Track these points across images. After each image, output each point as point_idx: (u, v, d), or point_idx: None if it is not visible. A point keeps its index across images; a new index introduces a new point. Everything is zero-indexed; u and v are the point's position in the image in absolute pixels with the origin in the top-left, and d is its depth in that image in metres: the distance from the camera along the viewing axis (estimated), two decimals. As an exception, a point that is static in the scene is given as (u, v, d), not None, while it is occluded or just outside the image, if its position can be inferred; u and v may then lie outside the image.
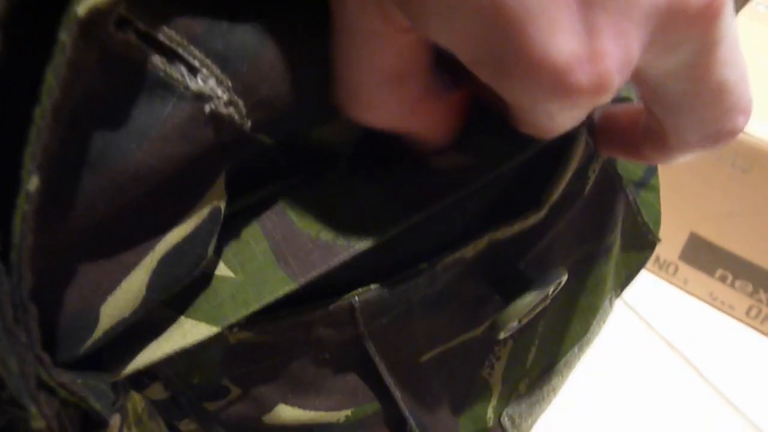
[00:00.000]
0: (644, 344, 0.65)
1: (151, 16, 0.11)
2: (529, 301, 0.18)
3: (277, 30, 0.13)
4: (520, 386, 0.22)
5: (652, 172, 0.23)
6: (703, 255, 0.64)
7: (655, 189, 0.23)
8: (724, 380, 0.63)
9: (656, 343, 0.65)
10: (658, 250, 0.67)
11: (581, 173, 0.19)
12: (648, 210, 0.23)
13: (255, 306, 0.15)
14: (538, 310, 0.19)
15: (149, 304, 0.14)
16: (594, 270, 0.22)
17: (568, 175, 0.18)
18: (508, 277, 0.18)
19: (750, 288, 0.62)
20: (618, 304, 0.68)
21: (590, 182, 0.20)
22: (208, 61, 0.12)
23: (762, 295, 0.62)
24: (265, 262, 0.15)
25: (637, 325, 0.67)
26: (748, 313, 0.65)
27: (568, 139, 0.18)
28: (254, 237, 0.16)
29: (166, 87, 0.12)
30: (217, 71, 0.12)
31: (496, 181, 0.17)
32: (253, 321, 0.16)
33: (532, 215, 0.17)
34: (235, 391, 0.18)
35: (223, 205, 0.15)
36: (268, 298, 0.15)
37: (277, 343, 0.17)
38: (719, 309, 0.67)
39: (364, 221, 0.15)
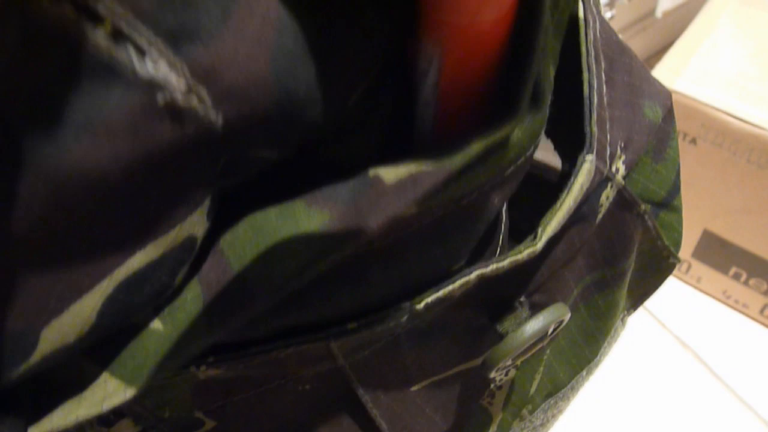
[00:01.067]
0: (657, 343, 0.64)
1: None
2: (521, 340, 0.16)
3: (248, 1, 0.11)
4: (523, 412, 0.20)
5: (675, 192, 0.21)
6: (716, 252, 0.62)
7: (678, 210, 0.22)
8: (738, 379, 0.62)
9: (669, 341, 0.64)
10: (671, 247, 0.66)
11: (592, 201, 0.18)
12: (669, 232, 0.22)
13: (168, 366, 0.13)
14: (535, 348, 0.18)
15: (99, 332, 0.13)
16: (606, 296, 0.21)
17: (568, 205, 0.16)
18: (502, 308, 0.17)
19: (765, 286, 0.61)
20: (629, 302, 0.66)
21: (603, 209, 0.18)
22: (158, 41, 0.10)
23: (777, 293, 0.61)
24: (194, 310, 0.13)
25: (649, 324, 0.66)
26: (762, 311, 0.63)
27: (572, 166, 0.16)
28: (189, 282, 0.14)
29: (111, 71, 0.10)
30: (169, 53, 0.11)
31: (484, 213, 0.16)
32: (221, 359, 0.15)
33: (525, 250, 0.16)
34: (209, 424, 0.17)
35: (201, 234, 0.14)
36: (185, 354, 0.13)
37: (250, 377, 0.16)
38: (733, 307, 0.65)
39: (295, 256, 0.13)
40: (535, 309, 0.18)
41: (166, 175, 0.12)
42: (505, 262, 0.16)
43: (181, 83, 0.11)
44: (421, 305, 0.15)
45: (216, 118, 0.12)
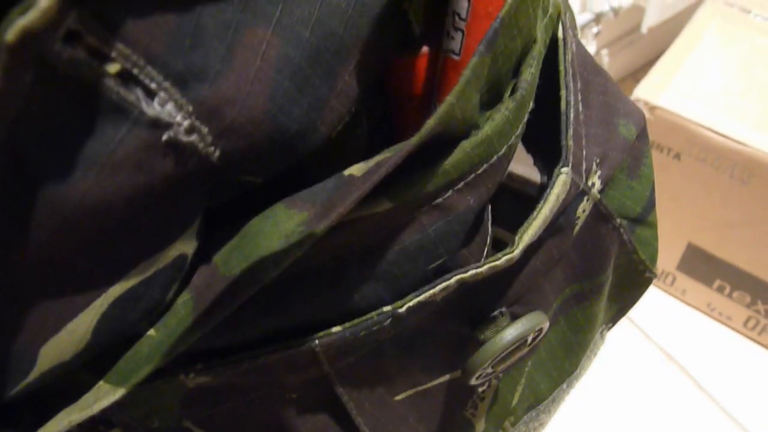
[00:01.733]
0: (642, 354, 0.65)
1: (104, 30, 0.10)
2: (501, 345, 0.17)
3: (251, 42, 0.12)
4: (506, 424, 0.21)
5: (650, 208, 0.22)
6: (701, 265, 0.63)
7: (653, 226, 0.22)
8: (722, 391, 0.62)
9: (654, 353, 0.65)
10: (658, 259, 0.67)
11: (569, 213, 0.18)
12: (644, 247, 0.22)
13: (156, 362, 0.14)
14: (516, 357, 0.18)
15: (94, 349, 0.13)
16: (585, 309, 0.21)
17: (544, 215, 0.17)
18: (483, 318, 0.18)
19: (748, 299, 0.62)
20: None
21: (580, 222, 0.19)
22: (166, 84, 0.11)
23: (760, 306, 0.61)
24: (185, 315, 0.14)
25: (635, 335, 0.66)
26: (746, 324, 0.64)
27: (549, 178, 0.17)
28: (181, 293, 0.14)
29: (120, 110, 0.11)
30: (177, 95, 0.11)
31: (461, 213, 0.16)
32: (208, 366, 0.15)
33: (503, 256, 0.17)
34: None
35: (191, 252, 0.14)
36: (174, 352, 0.14)
37: (238, 385, 0.16)
38: (717, 320, 0.66)
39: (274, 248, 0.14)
40: (516, 320, 0.19)
41: (163, 203, 0.12)
42: (484, 268, 0.16)
43: (185, 122, 0.11)
44: (404, 308, 0.16)
45: (214, 152, 0.12)
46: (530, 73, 0.16)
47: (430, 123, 0.14)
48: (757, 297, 0.61)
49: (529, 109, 0.17)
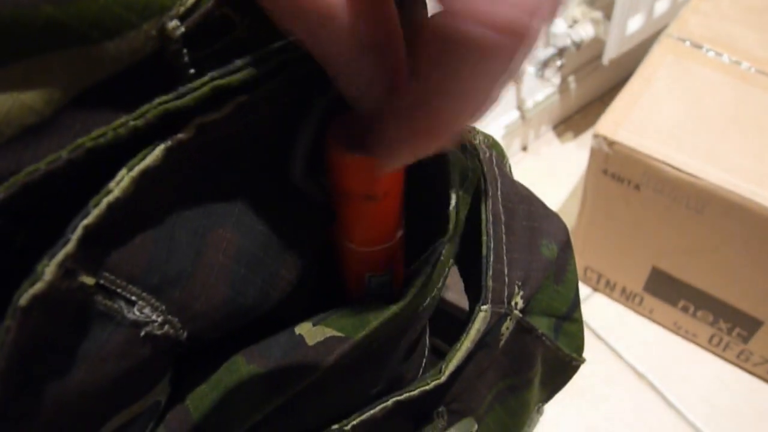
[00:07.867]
0: (612, 372, 0.68)
1: (95, 266, 0.13)
2: None
3: (214, 241, 0.15)
4: None
5: (575, 307, 0.25)
6: (665, 287, 0.66)
7: (578, 321, 0.25)
8: (690, 406, 0.65)
9: (624, 370, 0.68)
10: (624, 281, 0.70)
11: (494, 332, 0.21)
12: (571, 340, 0.25)
13: None
14: None
15: None
16: (518, 396, 0.24)
17: (467, 346, 0.20)
18: (425, 416, 0.21)
19: (711, 318, 0.65)
20: (587, 333, 0.70)
21: (505, 337, 0.22)
22: (144, 294, 0.14)
23: (722, 324, 0.64)
24: None
25: (605, 354, 0.69)
26: (710, 341, 0.67)
27: (471, 312, 0.20)
28: (156, 429, 0.17)
29: (106, 316, 0.14)
30: (153, 300, 0.14)
31: (394, 352, 0.19)
32: None
33: (432, 381, 0.19)
34: None
35: (164, 399, 0.17)
36: None
37: None
38: (684, 337, 0.69)
39: (241, 404, 0.17)
40: (453, 415, 0.22)
41: (141, 372, 0.15)
42: (416, 392, 0.19)
43: (159, 318, 0.14)
44: (349, 427, 0.19)
45: (183, 334, 0.15)
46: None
47: (376, 322, 0.17)
48: (719, 316, 0.64)
49: (449, 266, 0.19)
